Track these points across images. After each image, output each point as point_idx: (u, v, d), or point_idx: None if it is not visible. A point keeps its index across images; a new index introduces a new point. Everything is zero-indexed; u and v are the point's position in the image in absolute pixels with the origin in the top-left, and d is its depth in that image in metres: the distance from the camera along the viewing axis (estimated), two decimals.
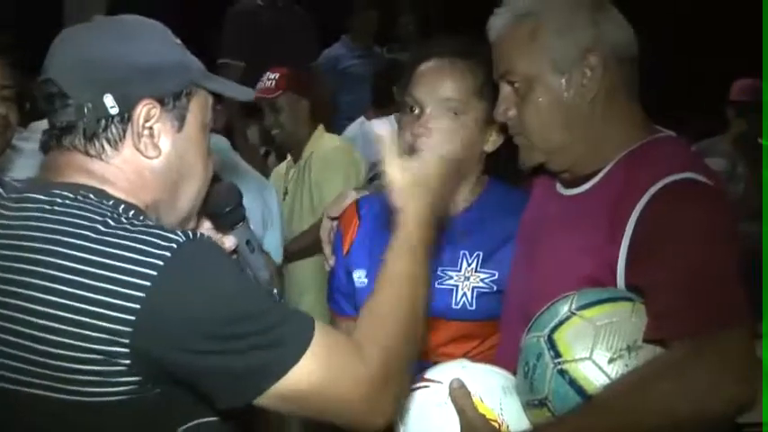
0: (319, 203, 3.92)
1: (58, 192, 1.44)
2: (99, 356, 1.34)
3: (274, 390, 1.37)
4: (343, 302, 2.15)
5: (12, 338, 1.38)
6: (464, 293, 2.00)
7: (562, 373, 1.58)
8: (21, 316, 1.37)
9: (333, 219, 2.21)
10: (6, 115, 2.76)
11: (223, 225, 1.71)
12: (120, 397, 1.37)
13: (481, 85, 2.01)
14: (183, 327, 1.34)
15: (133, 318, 1.33)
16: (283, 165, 4.36)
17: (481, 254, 2.02)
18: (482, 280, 2.01)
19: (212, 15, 5.09)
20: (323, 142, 4.14)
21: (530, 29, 1.78)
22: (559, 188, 1.87)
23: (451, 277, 2.01)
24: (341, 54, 5.57)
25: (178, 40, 1.54)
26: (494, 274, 2.00)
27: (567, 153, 1.80)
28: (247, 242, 1.73)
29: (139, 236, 1.37)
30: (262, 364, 1.36)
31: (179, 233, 1.38)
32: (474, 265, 2.02)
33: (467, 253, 2.03)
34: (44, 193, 1.44)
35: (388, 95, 4.60)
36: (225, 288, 1.37)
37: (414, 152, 1.93)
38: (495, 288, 1.99)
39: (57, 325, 1.35)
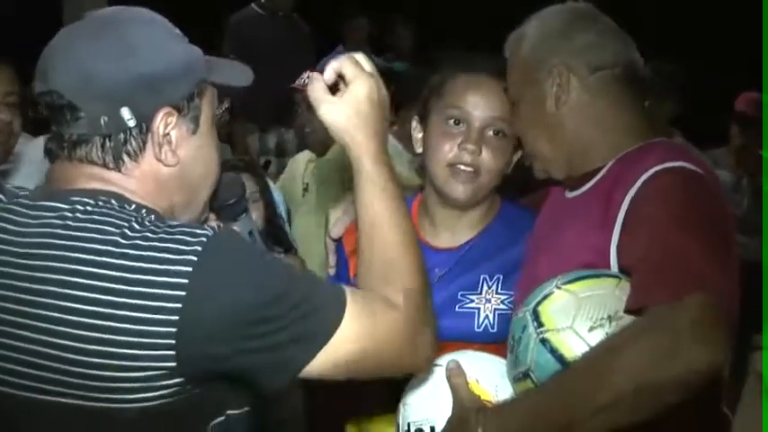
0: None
1: (77, 199, 1.41)
2: (142, 362, 1.32)
3: (323, 356, 1.37)
4: None
5: (43, 349, 1.35)
6: (486, 316, 2.00)
7: (544, 342, 1.61)
8: (52, 327, 1.34)
9: (334, 240, 2.19)
10: (11, 122, 2.78)
11: (226, 217, 1.72)
12: (161, 401, 1.35)
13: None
14: (225, 318, 1.33)
15: (176, 317, 1.31)
16: (304, 155, 4.29)
17: (501, 276, 2.03)
18: (503, 302, 2.01)
19: (212, 24, 5.16)
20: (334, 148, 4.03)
21: (518, 48, 1.92)
22: (567, 193, 1.93)
23: (472, 300, 2.01)
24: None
25: (177, 31, 1.50)
26: (513, 295, 2.00)
27: (560, 159, 1.88)
28: (250, 233, 1.75)
29: (166, 236, 1.35)
30: (305, 333, 1.37)
31: (203, 228, 1.38)
32: (495, 288, 2.02)
33: (487, 277, 2.04)
34: (62, 200, 1.42)
35: (391, 103, 4.58)
36: (257, 273, 1.38)
37: (457, 165, 1.99)
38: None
39: (95, 334, 1.32)
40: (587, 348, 1.58)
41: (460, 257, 2.06)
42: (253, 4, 5.62)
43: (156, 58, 1.43)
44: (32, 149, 3.35)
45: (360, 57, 1.58)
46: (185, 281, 1.32)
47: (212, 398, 1.43)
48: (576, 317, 1.60)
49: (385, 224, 1.51)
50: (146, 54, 1.42)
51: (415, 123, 2.12)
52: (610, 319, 1.59)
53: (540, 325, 1.62)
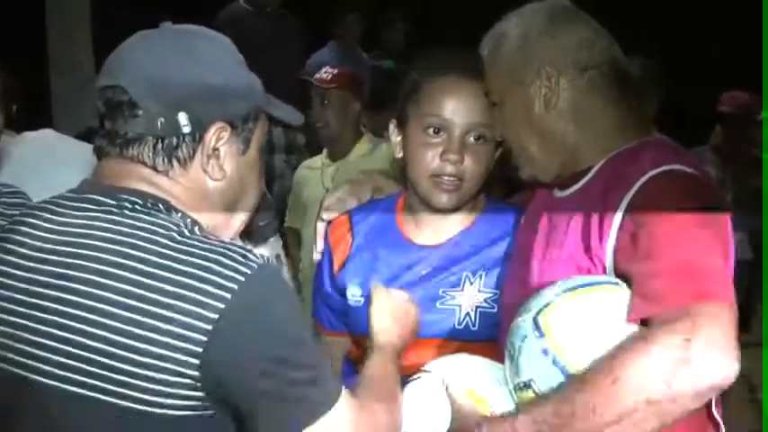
0: None
1: (125, 197, 1.44)
2: (169, 364, 1.34)
3: (317, 427, 1.39)
4: (332, 317, 2.14)
5: (79, 338, 1.37)
6: (467, 313, 1.99)
7: (546, 352, 1.58)
8: (90, 316, 1.36)
9: (325, 222, 2.19)
10: None
11: (257, 238, 1.73)
12: (181, 412, 1.36)
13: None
14: (255, 343, 1.36)
15: (210, 327, 1.33)
16: (317, 159, 4.27)
17: (483, 274, 2.02)
18: (485, 299, 2.00)
19: (198, 22, 5.09)
20: (380, 146, 4.01)
21: (498, 48, 1.87)
22: (555, 192, 1.90)
23: (454, 297, 2.00)
24: (329, 60, 5.59)
25: (241, 56, 1.54)
26: (496, 293, 1.99)
27: (548, 162, 1.85)
28: (277, 256, 1.75)
29: (219, 248, 1.38)
30: (307, 398, 1.39)
31: (255, 254, 1.40)
32: (477, 285, 2.01)
33: (469, 274, 2.02)
34: (109, 196, 1.45)
35: (379, 102, 4.60)
36: (293, 314, 1.43)
37: (440, 176, 1.96)
38: (496, 307, 1.98)
39: (130, 328, 1.34)
40: (591, 360, 1.55)
41: (443, 254, 2.04)
42: (240, 0, 5.60)
43: (223, 73, 1.48)
44: (16, 147, 3.30)
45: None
46: (228, 295, 1.34)
47: (220, 427, 1.43)
48: (579, 327, 1.58)
49: (382, 386, 1.65)
50: (217, 67, 1.48)
51: (392, 127, 2.09)
52: (613, 329, 1.56)
53: (542, 335, 1.59)
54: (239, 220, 1.57)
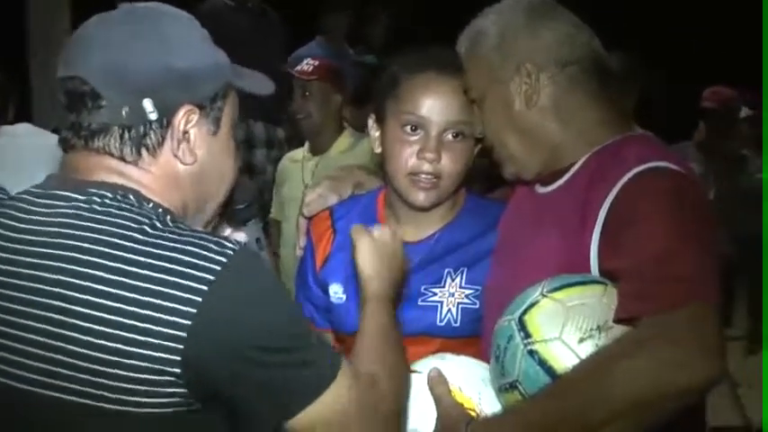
0: None
1: (94, 191, 1.39)
2: (149, 363, 1.29)
3: (306, 412, 1.36)
4: (315, 314, 2.11)
5: (49, 341, 1.32)
6: (449, 310, 1.97)
7: (532, 353, 1.57)
8: (61, 318, 1.31)
9: (306, 218, 2.17)
10: None
11: (236, 221, 1.69)
12: (163, 409, 1.32)
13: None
14: (236, 335, 1.32)
15: (189, 322, 1.29)
16: (299, 152, 4.26)
17: (465, 270, 2.00)
18: (467, 296, 1.98)
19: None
20: (362, 141, 3.99)
21: (475, 46, 1.85)
22: (537, 187, 1.88)
23: (435, 294, 1.98)
24: (314, 55, 5.57)
25: (205, 32, 1.49)
26: (478, 290, 1.98)
27: (530, 160, 1.83)
28: (257, 240, 1.72)
29: (192, 239, 1.34)
30: (300, 380, 1.36)
31: (230, 241, 1.36)
32: (459, 281, 2.00)
33: (451, 270, 2.01)
34: (77, 191, 1.39)
35: (362, 97, 4.59)
36: (275, 301, 1.38)
37: (417, 174, 1.94)
38: (477, 303, 1.97)
39: (104, 329, 1.29)
40: (577, 360, 1.53)
41: (424, 251, 2.03)
42: None
43: (188, 55, 1.42)
44: None
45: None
46: (205, 288, 1.30)
47: (210, 421, 1.39)
48: (565, 327, 1.56)
49: (381, 340, 1.59)
50: (178, 49, 1.42)
51: (371, 122, 2.07)
52: (599, 329, 1.55)
53: (528, 335, 1.58)
54: (214, 203, 1.53)
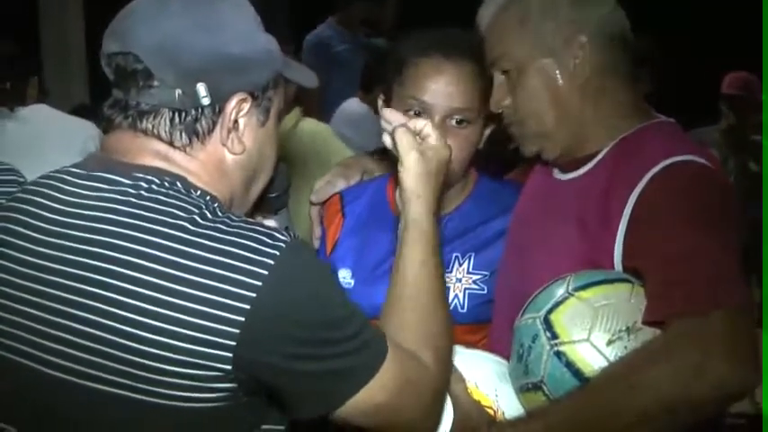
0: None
1: (140, 175, 1.34)
2: (198, 359, 1.25)
3: (357, 398, 1.33)
4: None
5: (90, 330, 1.28)
6: (456, 295, 1.95)
7: (559, 354, 1.54)
8: (106, 308, 1.27)
9: (316, 204, 2.16)
10: None
11: (267, 209, 1.66)
12: (210, 404, 1.29)
13: (485, 88, 1.90)
14: (289, 329, 1.28)
15: (242, 319, 1.25)
16: None
17: (473, 255, 1.98)
18: (474, 281, 1.96)
19: None
20: (301, 125, 3.96)
21: (517, 14, 1.77)
22: (556, 173, 1.84)
23: None
24: (328, 37, 5.51)
25: (258, 18, 1.44)
26: (485, 275, 1.95)
27: (559, 138, 1.77)
28: (286, 229, 1.69)
29: (244, 232, 1.30)
30: (351, 368, 1.33)
31: (282, 232, 1.32)
32: (466, 266, 1.97)
33: (459, 255, 1.98)
34: (123, 175, 1.35)
35: (371, 81, 4.54)
36: (327, 291, 1.34)
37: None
38: (485, 289, 1.94)
39: (153, 322, 1.25)
40: (605, 363, 1.51)
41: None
42: None
43: (246, 41, 1.38)
44: (9, 123, 3.25)
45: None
46: (259, 283, 1.26)
47: (256, 409, 1.36)
48: (593, 329, 1.52)
49: (428, 285, 1.48)
50: (236, 35, 1.38)
51: (380, 103, 2.03)
52: (628, 330, 1.52)
53: (555, 336, 1.54)
54: (257, 192, 1.50)
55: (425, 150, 1.53)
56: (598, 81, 1.74)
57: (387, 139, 1.56)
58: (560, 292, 1.60)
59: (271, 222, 1.61)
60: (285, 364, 1.29)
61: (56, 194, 1.37)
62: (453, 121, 1.92)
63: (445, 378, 1.47)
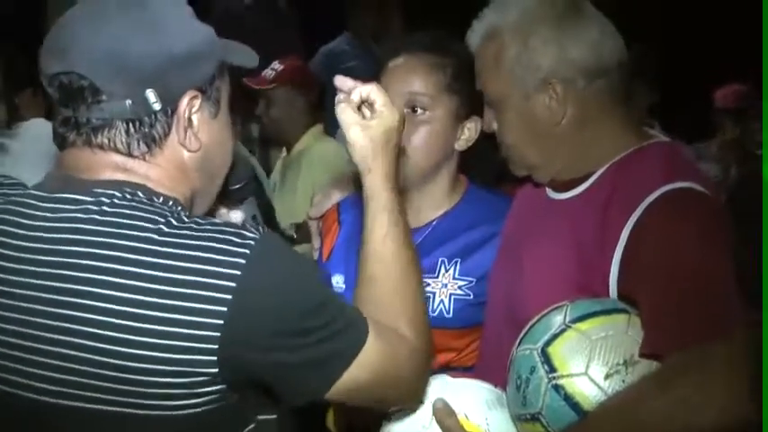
0: (302, 203, 3.83)
1: (101, 191, 1.33)
2: (183, 368, 1.26)
3: (343, 380, 1.34)
4: None
5: (71, 352, 1.28)
6: (441, 300, 1.96)
7: (557, 388, 1.55)
8: (82, 328, 1.27)
9: (313, 219, 2.19)
10: None
11: (233, 201, 1.66)
12: (199, 408, 1.30)
13: (451, 81, 1.97)
14: (269, 325, 1.29)
15: (221, 322, 1.25)
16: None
17: (459, 260, 1.99)
18: (460, 287, 1.97)
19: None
20: (319, 143, 4.04)
21: (494, 51, 1.78)
22: (549, 192, 1.84)
23: (428, 284, 1.96)
24: (342, 51, 5.52)
25: (190, 8, 1.42)
26: (471, 281, 1.97)
27: (547, 168, 1.80)
28: (253, 217, 1.69)
29: (212, 234, 1.30)
30: (333, 353, 1.34)
31: (249, 229, 1.32)
32: (452, 272, 1.99)
33: (445, 260, 2.00)
34: (83, 192, 1.33)
35: None
36: (301, 281, 1.34)
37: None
38: (471, 295, 1.96)
39: (131, 337, 1.25)
40: (603, 396, 1.52)
41: (419, 239, 2.01)
42: None
43: (186, 36, 1.36)
44: (11, 139, 3.26)
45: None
46: (233, 284, 1.26)
47: (248, 404, 1.38)
48: (591, 362, 1.54)
49: (396, 256, 1.49)
50: (176, 32, 1.35)
51: None
52: (626, 364, 1.53)
53: (553, 369, 1.56)
54: (217, 185, 1.49)
55: (368, 122, 1.52)
56: (585, 116, 1.74)
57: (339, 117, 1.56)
58: (557, 322, 1.60)
59: (237, 214, 1.59)
60: (269, 358, 1.30)
61: (20, 220, 1.36)
62: (408, 108, 1.95)
63: (425, 342, 1.47)
